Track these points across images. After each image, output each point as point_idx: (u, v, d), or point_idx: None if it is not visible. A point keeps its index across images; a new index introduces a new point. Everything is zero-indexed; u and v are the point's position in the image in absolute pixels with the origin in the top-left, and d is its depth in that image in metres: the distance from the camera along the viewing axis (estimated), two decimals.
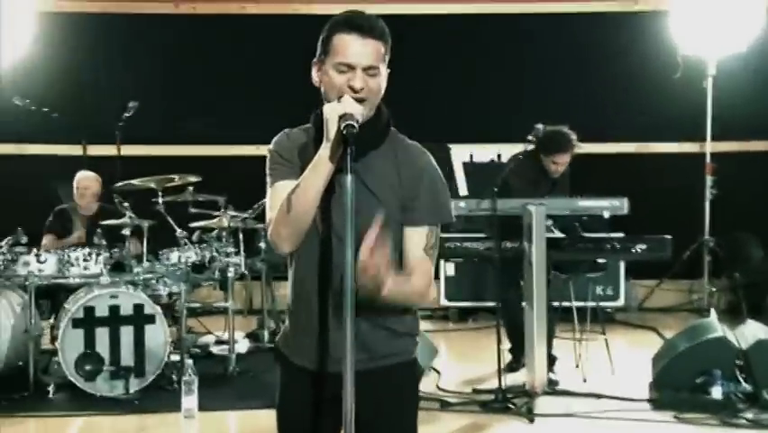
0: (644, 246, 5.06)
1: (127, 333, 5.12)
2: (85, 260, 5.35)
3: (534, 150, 5.34)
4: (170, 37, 7.81)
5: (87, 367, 5.03)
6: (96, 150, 7.20)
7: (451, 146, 4.87)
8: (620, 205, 5.05)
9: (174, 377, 5.21)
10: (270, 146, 2.35)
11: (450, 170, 4.87)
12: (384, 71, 2.27)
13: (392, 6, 7.51)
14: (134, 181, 5.78)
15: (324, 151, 2.15)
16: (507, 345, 5.55)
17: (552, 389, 5.19)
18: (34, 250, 5.31)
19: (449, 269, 7.35)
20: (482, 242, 5.22)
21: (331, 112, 2.13)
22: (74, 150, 7.29)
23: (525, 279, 4.99)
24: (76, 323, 5.05)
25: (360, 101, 2.19)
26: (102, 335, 5.09)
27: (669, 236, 5.09)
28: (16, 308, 5.26)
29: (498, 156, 7.45)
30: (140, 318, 5.14)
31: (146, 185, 5.75)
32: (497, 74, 7.80)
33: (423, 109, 7.73)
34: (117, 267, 5.61)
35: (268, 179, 2.33)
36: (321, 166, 2.16)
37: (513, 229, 5.01)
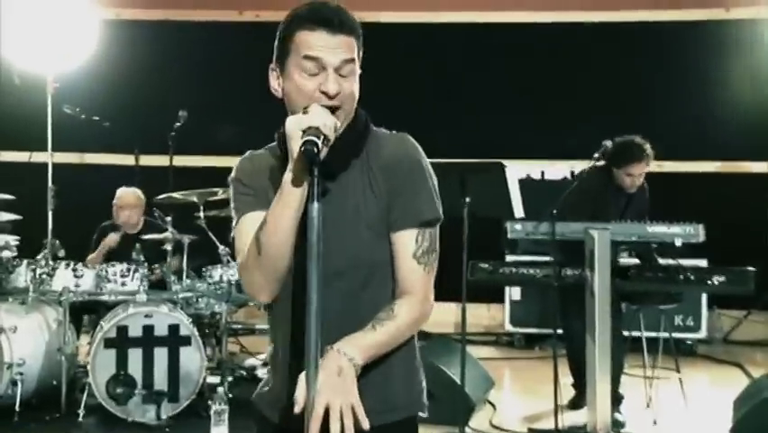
0: (723, 278, 4.51)
1: (161, 355, 4.86)
2: (122, 276, 5.13)
3: (603, 166, 4.89)
4: (233, 45, 7.61)
5: (119, 390, 4.78)
6: (148, 160, 7.03)
7: (507, 163, 4.48)
8: (695, 232, 4.51)
9: (211, 402, 4.92)
10: (232, 173, 2.00)
11: (505, 189, 4.43)
12: (357, 71, 1.90)
13: (457, 15, 7.19)
14: (175, 195, 5.54)
15: (288, 175, 1.79)
16: (570, 379, 5.13)
17: (617, 431, 4.70)
18: (72, 264, 5.11)
19: (515, 292, 6.92)
20: (542, 267, 4.78)
21: (293, 127, 1.75)
22: (128, 159, 7.14)
23: (587, 309, 4.53)
24: (108, 343, 4.81)
25: (333, 109, 1.83)
26: (135, 356, 4.83)
27: (752, 268, 4.53)
28: (52, 324, 5.07)
29: (572, 173, 7.02)
30: (175, 340, 4.88)
31: (188, 199, 5.50)
32: (565, 86, 7.38)
33: (478, 124, 7.38)
34: (157, 284, 5.37)
35: (232, 214, 1.98)
36: (287, 194, 1.79)
37: (579, 254, 4.57)
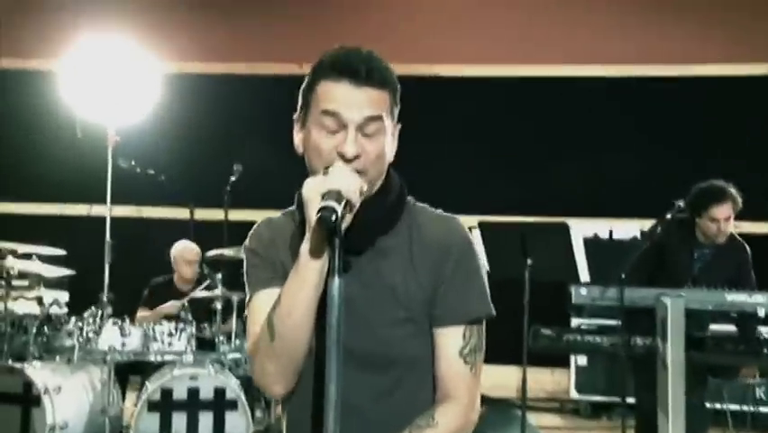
0: None
1: (206, 419, 4.66)
2: (170, 335, 4.96)
3: (680, 220, 4.50)
4: (293, 98, 7.49)
5: None
6: (203, 213, 6.92)
7: (572, 221, 4.24)
8: None
9: None
10: (246, 241, 1.78)
11: (570, 250, 4.17)
12: (390, 129, 1.65)
13: (518, 69, 6.99)
14: (225, 251, 5.38)
15: (306, 246, 1.55)
16: None
17: None
18: (119, 322, 4.96)
19: (581, 358, 6.54)
20: (609, 335, 4.45)
21: (311, 190, 1.53)
22: (183, 213, 7.04)
23: (659, 382, 4.19)
24: (152, 406, 4.63)
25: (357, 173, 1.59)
26: (179, 420, 4.64)
27: None
28: (97, 384, 4.92)
29: (641, 232, 6.67)
30: (220, 404, 4.67)
31: (240, 256, 5.32)
32: (635, 140, 7.07)
33: (541, 183, 7.12)
34: (205, 344, 5.19)
35: (246, 289, 1.76)
36: (304, 269, 1.56)
37: (648, 321, 4.25)
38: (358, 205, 1.55)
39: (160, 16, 7.80)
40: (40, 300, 5.14)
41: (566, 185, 7.14)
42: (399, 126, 1.75)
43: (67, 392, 4.72)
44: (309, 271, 1.57)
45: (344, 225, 1.53)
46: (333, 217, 1.45)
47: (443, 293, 1.69)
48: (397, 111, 1.72)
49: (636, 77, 7.31)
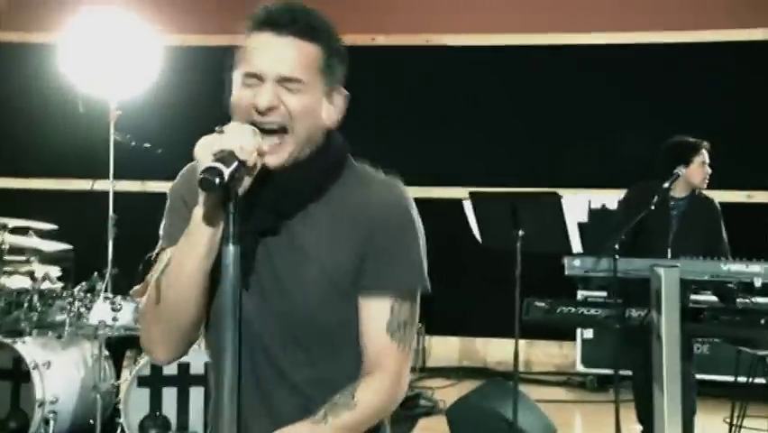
0: None
1: (197, 394, 4.61)
2: None
3: (647, 182, 4.51)
4: None
5: (152, 431, 4.55)
6: None
7: (563, 192, 4.11)
8: None
9: None
10: (175, 181, 1.65)
11: (561, 221, 4.05)
12: (323, 89, 1.53)
13: (515, 37, 6.85)
14: None
15: (199, 210, 1.45)
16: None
17: None
18: (110, 296, 4.92)
19: (586, 330, 6.42)
20: (604, 307, 4.34)
21: (200, 150, 1.42)
22: None
23: (654, 355, 4.07)
24: (141, 381, 4.59)
25: (271, 132, 1.47)
26: (169, 395, 4.59)
27: None
28: (89, 360, 4.88)
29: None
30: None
31: None
32: (630, 109, 6.91)
33: (530, 153, 7.00)
34: None
35: (160, 237, 1.65)
36: (195, 234, 1.46)
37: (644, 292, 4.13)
38: (259, 166, 1.45)
39: None
40: (32, 276, 5.12)
41: (572, 157, 7.00)
42: (345, 93, 1.63)
43: (57, 368, 4.69)
44: (200, 237, 1.48)
45: (242, 189, 1.43)
46: (217, 180, 1.35)
47: (373, 261, 1.57)
48: (334, 72, 1.59)
49: (637, 44, 7.12)
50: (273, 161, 1.52)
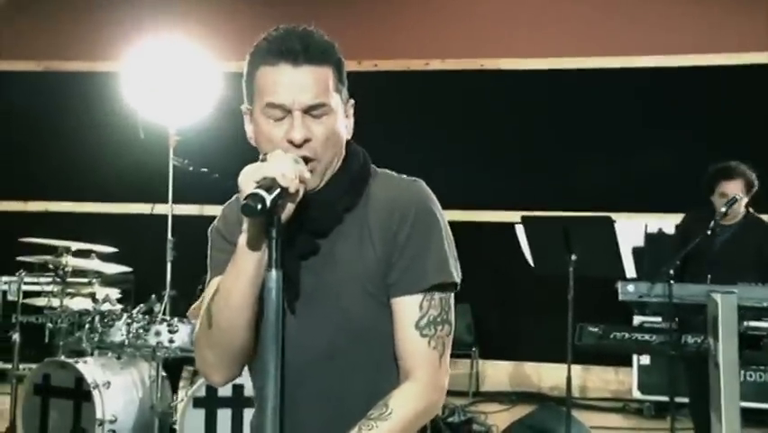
0: None
1: (251, 415, 4.66)
2: None
3: (703, 208, 4.51)
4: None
5: None
6: None
7: (618, 216, 4.10)
8: None
9: None
10: (214, 222, 1.73)
11: (615, 245, 4.03)
12: (340, 107, 1.58)
13: (562, 61, 6.83)
14: None
15: (243, 237, 1.50)
16: None
17: None
18: (167, 318, 5.02)
19: (644, 357, 6.33)
20: (659, 333, 4.29)
21: (246, 178, 1.47)
22: None
23: (711, 382, 4.01)
24: (197, 402, 4.66)
25: (307, 160, 1.53)
26: (224, 416, 4.65)
27: None
28: (146, 380, 4.99)
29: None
30: None
31: None
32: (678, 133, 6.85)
33: (584, 176, 6.96)
34: None
35: (208, 271, 1.72)
36: (241, 260, 1.51)
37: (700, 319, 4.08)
38: (302, 193, 1.50)
39: (219, 15, 7.89)
40: (94, 297, 5.25)
41: (628, 181, 6.94)
42: (352, 102, 1.68)
43: (116, 388, 4.80)
44: (246, 263, 1.53)
45: (285, 215, 1.48)
46: (259, 206, 1.39)
47: (396, 260, 1.60)
48: (344, 86, 1.65)
49: (685, 66, 7.06)
50: (308, 185, 1.57)
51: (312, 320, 1.57)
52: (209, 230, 1.75)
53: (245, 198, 1.42)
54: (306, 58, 1.56)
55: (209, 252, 1.74)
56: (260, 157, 1.54)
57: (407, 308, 1.59)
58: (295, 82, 1.55)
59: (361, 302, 1.59)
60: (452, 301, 1.64)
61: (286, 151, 1.55)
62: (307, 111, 1.57)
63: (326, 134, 1.58)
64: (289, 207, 1.48)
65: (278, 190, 1.44)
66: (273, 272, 1.41)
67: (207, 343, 1.62)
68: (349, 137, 1.67)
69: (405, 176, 1.71)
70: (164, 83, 6.78)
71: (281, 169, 1.47)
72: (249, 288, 1.53)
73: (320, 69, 1.58)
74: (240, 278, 1.53)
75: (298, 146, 1.55)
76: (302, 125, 1.55)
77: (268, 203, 1.41)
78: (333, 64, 1.61)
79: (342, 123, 1.64)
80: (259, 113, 1.60)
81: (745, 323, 4.00)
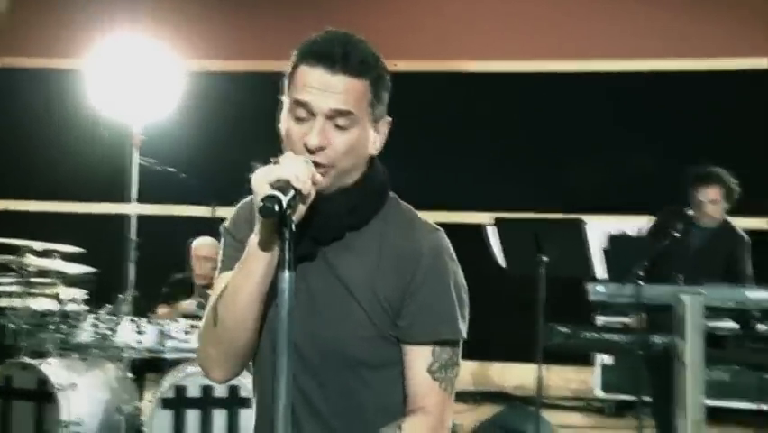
0: None
1: (220, 417, 4.64)
2: (186, 333, 4.94)
3: (679, 207, 4.52)
4: None
5: None
6: (225, 212, 6.92)
7: (588, 218, 4.16)
8: None
9: None
10: (226, 221, 1.73)
11: (584, 247, 4.09)
12: (368, 122, 1.56)
13: (534, 64, 6.90)
14: None
15: (254, 238, 1.50)
16: None
17: None
18: (135, 319, 4.96)
19: (606, 356, 6.41)
20: (627, 333, 4.36)
21: (259, 179, 1.46)
22: (206, 211, 7.04)
23: (677, 381, 4.08)
24: (165, 403, 4.62)
25: (318, 165, 1.52)
26: (192, 418, 4.62)
27: None
28: (113, 382, 4.92)
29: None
30: (234, 402, 4.64)
31: None
32: (651, 135, 6.96)
33: (555, 178, 7.03)
34: None
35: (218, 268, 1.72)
36: (252, 260, 1.51)
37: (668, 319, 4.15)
38: (313, 195, 1.50)
39: (182, 15, 7.82)
40: (58, 298, 5.16)
41: (593, 182, 7.03)
42: (388, 120, 1.66)
43: (81, 389, 4.72)
44: (256, 263, 1.53)
45: (297, 216, 1.47)
46: (276, 207, 1.40)
47: (408, 307, 1.61)
48: (382, 103, 1.63)
49: (656, 71, 7.18)
50: (320, 186, 1.56)
51: (301, 326, 1.56)
52: (221, 228, 1.75)
53: (262, 200, 1.41)
54: (344, 66, 1.55)
55: (221, 248, 1.74)
56: (272, 159, 1.53)
57: (420, 355, 1.62)
58: (326, 86, 1.54)
59: (362, 329, 1.60)
60: (459, 348, 1.67)
61: (299, 153, 1.54)
62: (332, 117, 1.55)
63: (347, 146, 1.56)
64: (301, 209, 1.48)
65: (293, 192, 1.44)
66: (286, 273, 1.40)
67: (211, 340, 1.62)
68: (375, 153, 1.65)
69: (424, 219, 1.70)
70: (127, 81, 6.72)
71: (295, 171, 1.46)
72: (257, 288, 1.54)
73: (356, 80, 1.56)
74: (249, 278, 1.54)
75: (312, 152, 1.54)
76: (321, 132, 1.54)
77: (284, 204, 1.41)
78: (373, 77, 1.59)
79: (369, 138, 1.61)
80: (287, 108, 1.60)
81: (710, 323, 4.09)
